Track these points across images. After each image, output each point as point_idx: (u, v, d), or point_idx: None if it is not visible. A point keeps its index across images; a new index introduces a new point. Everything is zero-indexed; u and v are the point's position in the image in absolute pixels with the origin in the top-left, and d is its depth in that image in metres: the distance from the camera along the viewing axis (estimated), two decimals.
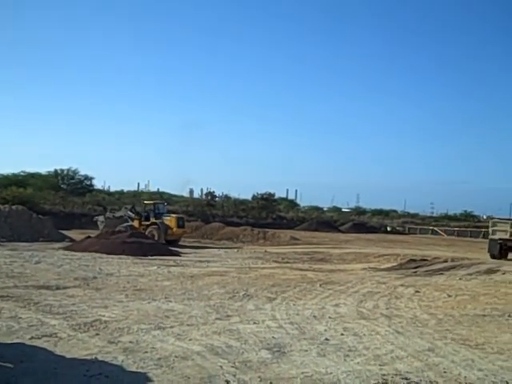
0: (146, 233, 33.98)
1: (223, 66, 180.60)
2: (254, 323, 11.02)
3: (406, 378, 7.64)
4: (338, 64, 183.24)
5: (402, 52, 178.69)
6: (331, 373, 7.78)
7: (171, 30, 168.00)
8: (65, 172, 71.98)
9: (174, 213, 42.30)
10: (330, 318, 11.99)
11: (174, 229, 35.78)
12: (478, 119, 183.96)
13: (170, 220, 36.01)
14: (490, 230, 35.65)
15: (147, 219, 36.16)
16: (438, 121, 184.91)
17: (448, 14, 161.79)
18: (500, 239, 33.74)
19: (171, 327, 10.30)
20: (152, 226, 35.40)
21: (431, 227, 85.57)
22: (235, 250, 33.16)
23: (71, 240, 31.69)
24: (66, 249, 26.65)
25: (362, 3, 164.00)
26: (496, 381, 7.75)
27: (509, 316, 13.08)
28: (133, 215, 36.61)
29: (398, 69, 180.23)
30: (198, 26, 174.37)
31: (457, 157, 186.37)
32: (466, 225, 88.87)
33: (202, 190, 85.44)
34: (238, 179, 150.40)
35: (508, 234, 33.54)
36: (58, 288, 14.64)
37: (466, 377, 7.88)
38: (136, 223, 35.85)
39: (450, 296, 16.12)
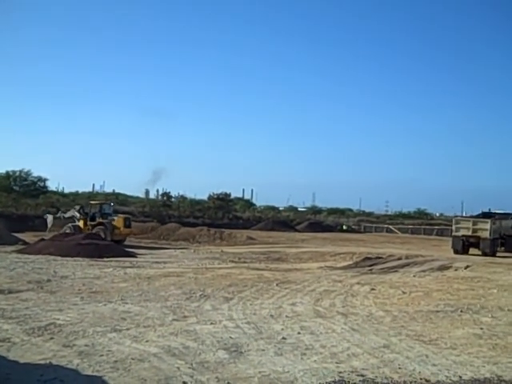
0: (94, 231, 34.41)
1: (175, 66, 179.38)
2: (211, 323, 11.00)
3: (362, 375, 7.73)
4: (296, 60, 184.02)
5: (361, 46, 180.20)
6: (288, 371, 7.83)
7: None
8: (17, 174, 70.60)
9: (127, 213, 42.53)
10: (286, 317, 12.05)
11: (121, 228, 36.22)
12: (429, 120, 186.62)
13: (117, 220, 36.46)
14: (454, 227, 38.41)
15: (93, 219, 36.49)
16: (391, 122, 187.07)
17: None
18: (463, 236, 37.14)
19: (127, 329, 10.20)
20: (99, 227, 35.72)
21: (386, 225, 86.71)
22: (192, 250, 33.06)
23: (24, 243, 31.09)
24: (19, 252, 26.11)
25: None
26: (449, 375, 7.90)
27: (461, 311, 13.36)
28: (78, 216, 36.92)
29: (352, 66, 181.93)
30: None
31: (409, 156, 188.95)
32: (420, 222, 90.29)
33: (158, 190, 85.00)
34: (194, 180, 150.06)
35: (470, 230, 37.04)
36: (10, 292, 14.34)
37: (420, 372, 8.01)
38: (81, 223, 36.21)
39: (404, 293, 16.37)
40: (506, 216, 41.47)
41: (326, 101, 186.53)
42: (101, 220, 36.18)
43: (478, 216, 41.57)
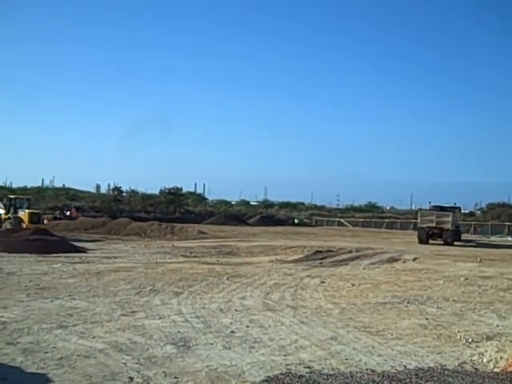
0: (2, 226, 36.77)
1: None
2: (160, 318, 10.93)
3: (309, 367, 7.79)
4: (244, 55, 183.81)
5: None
6: (236, 365, 7.84)
7: None
8: None
9: (78, 208, 43.19)
10: (236, 310, 12.07)
11: (26, 223, 37.11)
12: (377, 115, 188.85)
13: (24, 215, 38.01)
14: (419, 219, 43.54)
15: (10, 212, 38.57)
16: (341, 116, 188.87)
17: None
18: (427, 227, 41.95)
19: (74, 325, 10.06)
20: (8, 220, 37.71)
21: (337, 219, 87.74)
22: (143, 245, 32.81)
23: None
24: None
25: None
26: (394, 365, 8.02)
27: (408, 303, 13.60)
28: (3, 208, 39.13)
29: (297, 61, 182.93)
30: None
31: (360, 150, 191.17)
32: (371, 216, 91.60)
33: (109, 185, 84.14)
34: (146, 174, 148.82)
35: (434, 222, 41.77)
36: None
37: (366, 363, 8.12)
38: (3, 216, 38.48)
39: (353, 285, 16.57)
40: (452, 209, 45.18)
41: (276, 94, 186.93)
42: (12, 214, 38.17)
43: (434, 208, 45.29)
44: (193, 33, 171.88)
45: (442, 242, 41.15)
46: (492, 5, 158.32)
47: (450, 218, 42.19)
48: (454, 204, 48.50)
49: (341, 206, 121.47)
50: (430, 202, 49.45)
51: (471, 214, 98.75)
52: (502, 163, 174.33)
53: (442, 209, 44.66)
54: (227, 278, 17.38)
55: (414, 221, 60.37)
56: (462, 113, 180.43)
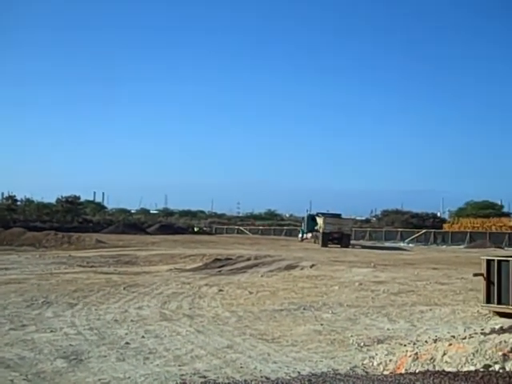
0: None
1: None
2: (51, 331, 10.58)
3: (204, 377, 7.75)
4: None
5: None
6: (129, 377, 7.69)
7: None
8: None
9: None
10: (131, 321, 11.87)
11: None
12: (273, 122, 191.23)
13: None
14: (322, 225, 48.75)
15: None
16: (238, 122, 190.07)
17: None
18: (330, 232, 48.21)
19: None
20: None
21: (237, 226, 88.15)
22: (37, 255, 31.73)
23: None
24: None
25: None
26: (289, 372, 8.11)
27: (304, 309, 13.82)
28: None
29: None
30: None
31: (260, 157, 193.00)
32: (270, 223, 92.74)
33: (2, 193, 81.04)
34: (41, 182, 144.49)
35: (336, 227, 48.44)
36: None
37: (261, 370, 8.17)
38: None
39: (251, 293, 16.67)
40: (336, 215, 53.04)
41: (175, 103, 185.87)
42: None
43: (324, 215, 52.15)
44: None
45: (339, 246, 47.36)
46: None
47: (349, 224, 51.55)
48: (327, 211, 55.35)
49: (241, 214, 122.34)
50: (307, 210, 60.26)
51: (367, 220, 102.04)
52: (396, 172, 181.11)
53: (328, 215, 51.72)
54: (124, 288, 17.08)
55: None
56: (356, 122, 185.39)
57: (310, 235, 55.59)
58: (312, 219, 54.90)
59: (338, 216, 52.98)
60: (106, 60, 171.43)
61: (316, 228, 52.92)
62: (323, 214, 52.59)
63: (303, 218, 60.67)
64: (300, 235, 59.16)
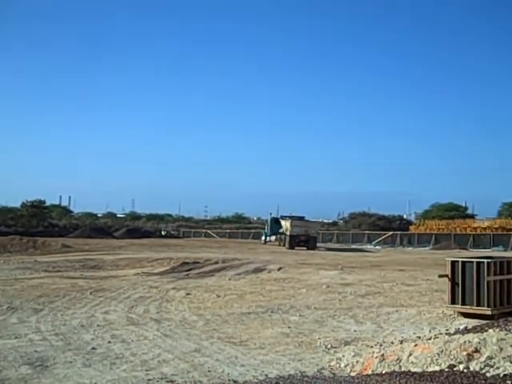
0: None
1: None
2: (16, 337, 10.41)
3: (172, 381, 7.71)
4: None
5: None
6: (96, 383, 7.60)
7: None
8: None
9: None
10: (98, 326, 11.75)
11: None
12: (239, 128, 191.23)
13: None
14: (290, 228, 50.95)
15: None
16: (204, 125, 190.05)
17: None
18: (298, 234, 50.45)
19: None
20: None
21: (205, 230, 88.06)
22: (1, 260, 31.23)
23: None
24: None
25: None
26: (256, 374, 8.11)
27: (272, 312, 13.84)
28: None
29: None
30: None
31: (228, 160, 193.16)
32: (238, 227, 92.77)
33: None
34: (6, 186, 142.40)
35: (303, 230, 50.73)
36: None
37: (228, 373, 8.15)
38: None
39: (218, 296, 16.65)
40: (300, 218, 54.56)
41: (132, 106, 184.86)
42: None
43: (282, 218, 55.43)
44: None
45: (305, 248, 49.24)
46: None
47: (316, 227, 54.25)
48: (290, 213, 56.89)
49: (208, 217, 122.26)
50: (270, 214, 60.73)
51: (334, 223, 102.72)
52: (363, 174, 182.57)
53: (295, 218, 53.67)
54: (91, 293, 16.93)
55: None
56: (320, 124, 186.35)
57: (273, 238, 56.14)
58: (276, 222, 56.68)
59: (302, 218, 54.60)
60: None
61: (281, 231, 54.42)
62: (288, 217, 54.62)
63: (267, 221, 61.36)
64: (263, 238, 59.81)
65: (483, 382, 6.88)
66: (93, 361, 8.81)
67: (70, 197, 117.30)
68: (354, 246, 61.38)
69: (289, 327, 11.95)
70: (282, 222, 54.49)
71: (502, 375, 7.04)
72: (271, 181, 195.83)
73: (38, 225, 72.47)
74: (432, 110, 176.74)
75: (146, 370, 8.28)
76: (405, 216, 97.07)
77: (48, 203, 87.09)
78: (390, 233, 70.02)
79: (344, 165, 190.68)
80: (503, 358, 7.56)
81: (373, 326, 12.27)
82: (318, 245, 54.05)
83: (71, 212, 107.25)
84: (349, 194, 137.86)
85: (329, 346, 10.06)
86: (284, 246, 51.82)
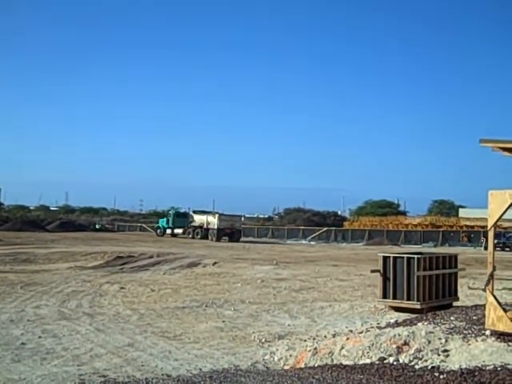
0: None
1: None
2: None
3: (104, 376, 7.61)
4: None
5: None
6: (25, 378, 7.44)
7: None
8: None
9: None
10: (28, 320, 11.52)
11: None
12: (174, 124, 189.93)
13: None
14: (218, 221, 55.37)
15: None
16: (145, 122, 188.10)
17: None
18: (224, 227, 55.39)
19: None
20: None
21: (140, 224, 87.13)
22: None
23: None
24: None
25: None
26: (190, 368, 8.09)
27: (206, 306, 13.85)
28: None
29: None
30: None
31: (165, 155, 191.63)
32: None
33: None
34: None
35: (229, 223, 56.44)
36: None
37: (162, 368, 8.11)
38: None
39: (153, 291, 16.55)
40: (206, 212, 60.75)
41: (86, 99, 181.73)
42: None
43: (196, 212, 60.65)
44: None
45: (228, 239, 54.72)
46: None
47: (240, 221, 61.30)
48: (188, 208, 63.17)
49: (144, 212, 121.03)
50: (173, 207, 66.18)
51: (269, 218, 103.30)
52: (298, 170, 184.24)
53: (205, 212, 60.34)
54: (21, 287, 16.59)
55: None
56: (256, 121, 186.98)
57: (181, 231, 59.53)
58: (181, 215, 61.78)
59: (209, 213, 59.87)
60: None
61: (193, 224, 58.77)
62: (201, 212, 60.91)
63: (168, 215, 64.33)
64: (159, 231, 62.97)
65: (412, 373, 7.08)
66: (22, 356, 8.63)
67: (0, 189, 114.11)
68: (289, 242, 61.89)
69: (223, 321, 11.97)
70: (200, 217, 58.73)
71: (429, 367, 7.25)
72: (207, 175, 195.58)
73: None
74: (363, 107, 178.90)
75: (78, 365, 8.16)
76: (339, 212, 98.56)
77: None
78: (325, 228, 70.87)
79: (279, 160, 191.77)
80: (431, 350, 7.79)
81: (306, 320, 12.42)
82: (244, 239, 59.01)
83: (1, 204, 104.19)
84: (284, 189, 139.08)
85: (263, 340, 10.13)
86: (194, 238, 56.90)
